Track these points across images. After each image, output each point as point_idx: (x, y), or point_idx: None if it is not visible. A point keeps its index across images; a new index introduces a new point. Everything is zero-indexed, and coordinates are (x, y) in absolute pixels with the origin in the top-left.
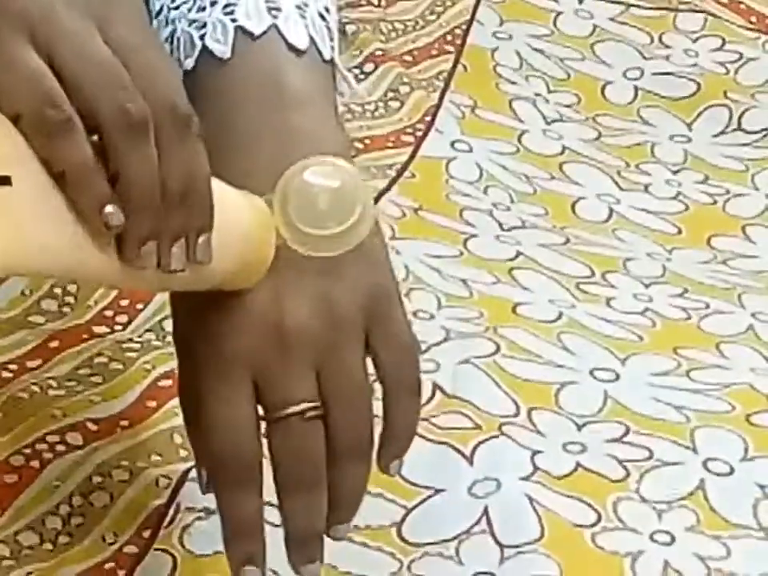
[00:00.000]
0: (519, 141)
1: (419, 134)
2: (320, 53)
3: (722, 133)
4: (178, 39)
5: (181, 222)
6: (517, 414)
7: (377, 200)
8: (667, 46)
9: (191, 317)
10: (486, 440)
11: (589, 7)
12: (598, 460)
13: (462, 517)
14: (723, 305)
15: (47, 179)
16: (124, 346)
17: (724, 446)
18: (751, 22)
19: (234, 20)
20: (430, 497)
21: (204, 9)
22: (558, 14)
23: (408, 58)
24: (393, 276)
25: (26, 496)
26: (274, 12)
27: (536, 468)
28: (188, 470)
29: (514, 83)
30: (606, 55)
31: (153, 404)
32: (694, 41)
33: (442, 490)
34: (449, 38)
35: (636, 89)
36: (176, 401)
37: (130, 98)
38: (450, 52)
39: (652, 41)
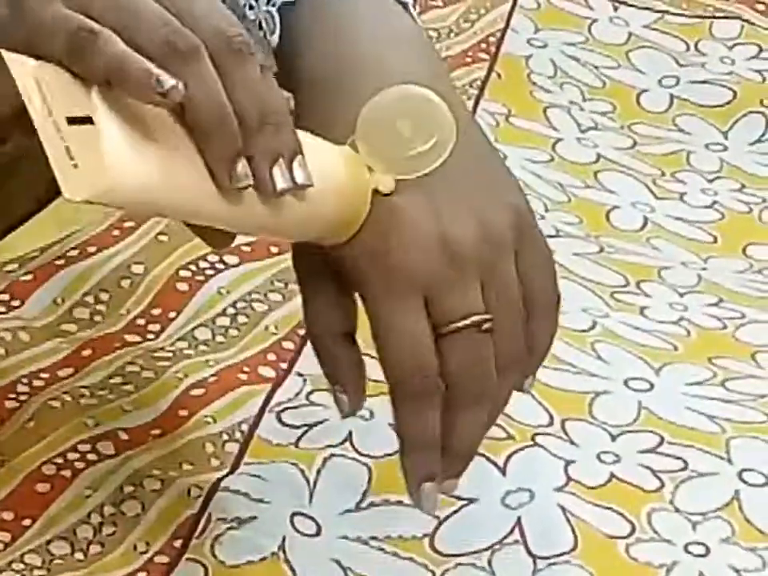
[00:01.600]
0: (554, 149)
1: None
2: None
3: (758, 141)
4: (260, 22)
5: (267, 144)
6: (550, 424)
7: None
8: (703, 54)
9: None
10: (520, 450)
11: (624, 14)
12: (632, 470)
13: (495, 527)
14: (759, 314)
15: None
16: (156, 354)
17: (759, 457)
18: None
19: None
20: (462, 507)
21: None
22: (593, 21)
23: None
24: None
25: (58, 505)
26: None
27: (569, 478)
28: (220, 480)
29: (548, 91)
30: (641, 63)
31: (185, 413)
32: (730, 48)
33: (475, 500)
34: (483, 45)
35: (671, 97)
36: (207, 410)
37: (173, 30)
38: (484, 60)
39: (688, 48)
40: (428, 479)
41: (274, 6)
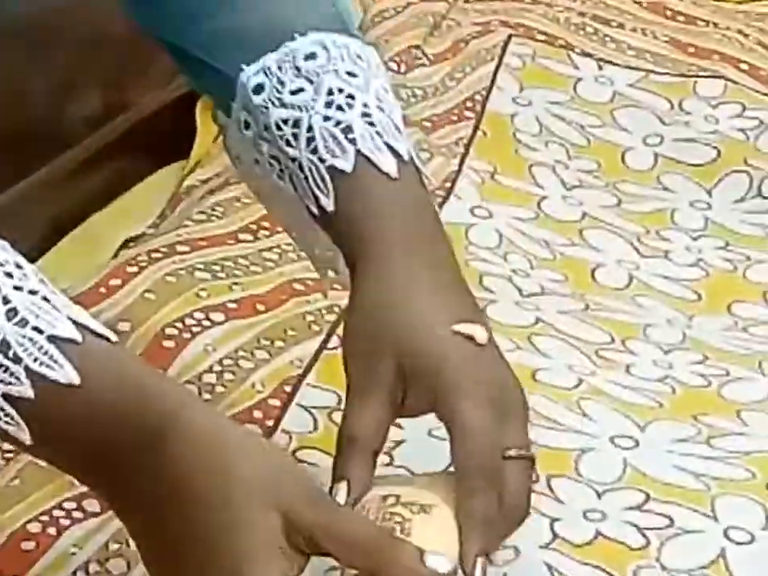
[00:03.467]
0: (539, 207)
1: (439, 200)
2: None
3: (742, 199)
4: (311, 128)
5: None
6: (536, 481)
7: None
8: (687, 112)
9: None
10: None
11: (608, 73)
12: (617, 528)
13: None
14: (743, 372)
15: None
16: None
17: (744, 515)
18: None
19: (382, 139)
20: None
21: (341, 108)
22: (578, 80)
23: (427, 123)
24: None
25: (42, 564)
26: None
27: (555, 536)
28: None
29: (533, 149)
30: (626, 121)
31: None
32: (714, 107)
33: None
34: (469, 103)
35: (656, 155)
36: None
37: None
38: (469, 118)
39: (672, 107)
40: (483, 555)
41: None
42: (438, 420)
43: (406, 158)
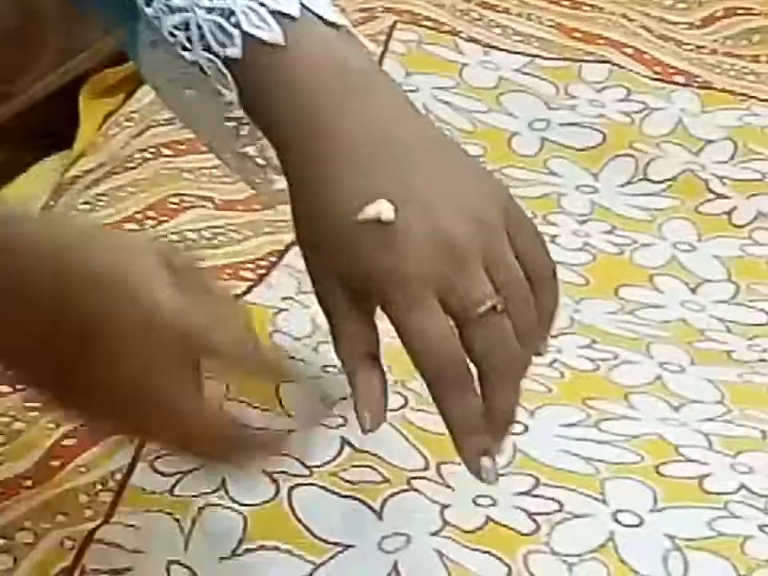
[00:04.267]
0: None
1: None
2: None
3: (629, 183)
4: (200, 27)
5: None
6: (426, 468)
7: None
8: (573, 97)
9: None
10: (396, 494)
11: (494, 59)
12: (508, 513)
13: (372, 572)
14: (631, 355)
15: None
16: (27, 405)
17: (633, 497)
18: (656, 72)
19: (262, 4)
20: (339, 552)
21: None
22: (464, 65)
23: None
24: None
25: None
26: None
27: (446, 522)
28: (94, 530)
29: None
30: (512, 106)
31: (57, 463)
32: (599, 91)
33: (352, 546)
34: None
35: (542, 140)
36: (80, 459)
37: None
38: None
39: (558, 91)
40: (483, 455)
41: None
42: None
43: (296, 15)
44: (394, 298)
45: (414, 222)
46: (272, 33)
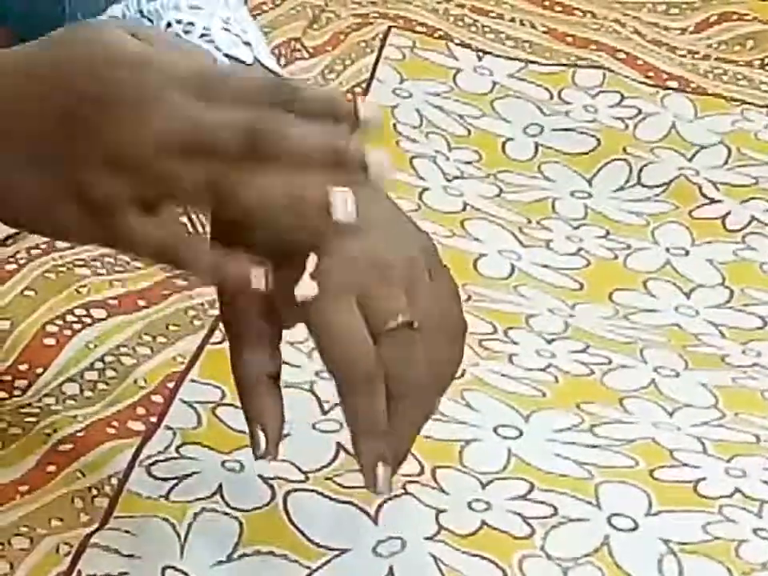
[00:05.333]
0: (420, 198)
1: None
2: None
3: (622, 188)
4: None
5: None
6: (421, 473)
7: None
8: (566, 102)
9: None
10: (390, 499)
11: (488, 64)
12: (502, 518)
13: None
14: (625, 359)
15: None
16: (23, 410)
17: (628, 502)
18: (648, 77)
19: (222, 52)
20: (335, 557)
21: (179, 36)
22: (458, 71)
23: None
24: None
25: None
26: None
27: (441, 527)
28: (89, 535)
29: (414, 141)
30: (506, 112)
31: (53, 468)
32: (593, 96)
33: (347, 550)
34: (348, 96)
35: (536, 145)
36: (76, 464)
37: None
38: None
39: (551, 97)
40: (380, 461)
41: None
42: (322, 413)
43: (249, 61)
44: (318, 299)
45: (353, 244)
46: None
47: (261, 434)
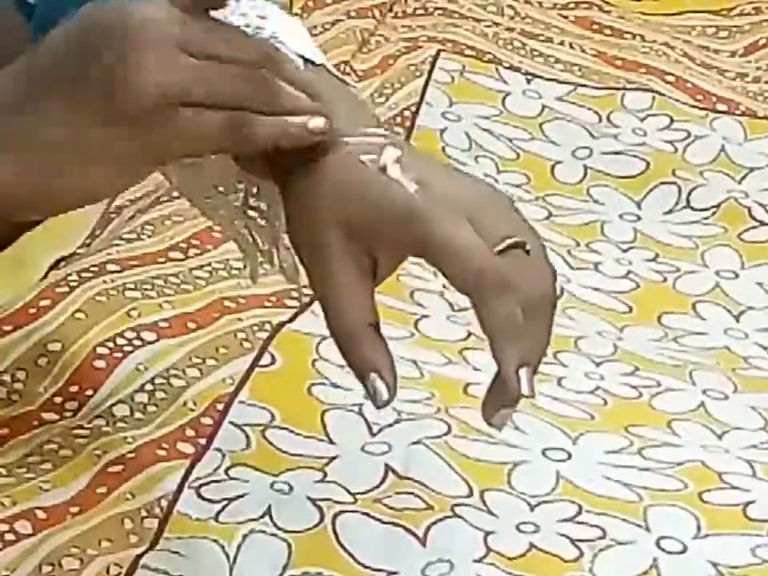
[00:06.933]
0: None
1: None
2: None
3: (671, 211)
4: None
5: None
6: (470, 495)
7: None
8: (615, 125)
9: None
10: (439, 521)
11: (537, 87)
12: (551, 540)
13: None
14: (674, 382)
15: None
16: (74, 432)
17: (676, 524)
18: (697, 100)
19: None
20: None
21: None
22: (507, 94)
23: None
24: None
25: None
26: None
27: (489, 549)
28: (139, 557)
29: (463, 164)
30: (555, 135)
31: (103, 490)
32: (642, 119)
33: (396, 573)
34: (398, 119)
35: (585, 168)
36: (126, 486)
37: None
38: (399, 133)
39: (600, 120)
40: (523, 365)
41: None
42: (371, 435)
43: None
44: (430, 212)
45: (444, 181)
46: None
47: (379, 382)
